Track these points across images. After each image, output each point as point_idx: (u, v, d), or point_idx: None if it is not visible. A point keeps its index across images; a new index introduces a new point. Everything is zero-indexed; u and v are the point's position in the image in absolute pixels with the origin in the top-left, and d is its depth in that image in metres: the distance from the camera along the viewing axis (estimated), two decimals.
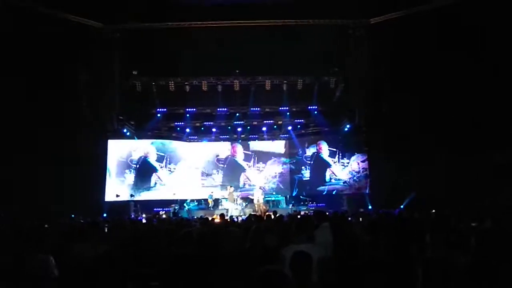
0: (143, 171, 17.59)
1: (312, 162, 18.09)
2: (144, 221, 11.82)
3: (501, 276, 2.74)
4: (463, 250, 3.68)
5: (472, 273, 3.08)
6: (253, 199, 16.16)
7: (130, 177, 17.40)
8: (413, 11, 15.23)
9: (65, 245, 4.69)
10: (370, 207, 16.10)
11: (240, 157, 18.91)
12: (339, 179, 17.68)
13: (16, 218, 10.13)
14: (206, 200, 17.58)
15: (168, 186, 17.83)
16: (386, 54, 15.79)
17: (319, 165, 17.91)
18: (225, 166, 18.78)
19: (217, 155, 18.87)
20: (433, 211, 8.50)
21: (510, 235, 3.87)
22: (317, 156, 18.05)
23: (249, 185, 18.59)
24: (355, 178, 17.57)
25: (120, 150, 17.48)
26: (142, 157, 17.68)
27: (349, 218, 9.02)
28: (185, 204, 17.14)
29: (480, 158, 13.90)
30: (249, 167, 18.77)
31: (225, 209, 16.00)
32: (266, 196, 16.80)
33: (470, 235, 3.88)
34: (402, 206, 14.39)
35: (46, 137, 14.00)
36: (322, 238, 4.50)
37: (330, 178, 17.74)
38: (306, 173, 18.16)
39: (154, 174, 17.74)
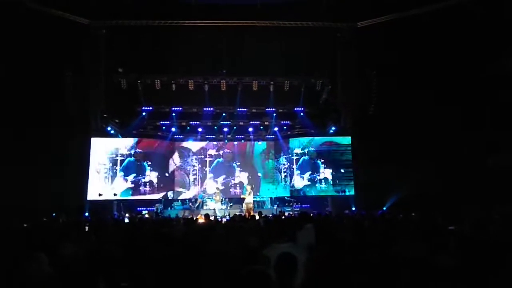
0: (129, 170, 17.44)
1: (298, 164, 18.17)
2: (126, 220, 11.68)
3: (482, 279, 2.80)
4: (444, 252, 3.74)
5: (454, 276, 3.13)
6: (241, 199, 16.26)
7: (114, 175, 17.21)
8: (401, 15, 15.43)
9: (52, 245, 4.62)
10: (354, 208, 16.25)
11: (227, 157, 18.96)
12: (323, 181, 17.81)
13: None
14: (191, 199, 17.53)
15: (153, 185, 17.73)
16: (374, 58, 15.98)
17: (305, 167, 18.01)
18: (211, 165, 18.80)
19: (203, 155, 18.92)
20: (413, 214, 8.62)
21: (489, 239, 3.94)
22: (304, 158, 18.14)
23: (233, 185, 18.65)
24: (339, 179, 17.72)
25: (104, 148, 17.26)
26: (129, 156, 17.54)
27: (334, 219, 9.08)
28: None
29: (466, 162, 14.12)
30: (238, 167, 18.85)
31: (210, 209, 15.97)
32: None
33: (449, 237, 3.95)
34: (384, 208, 14.58)
35: (29, 133, 13.71)
36: (305, 239, 4.52)
37: (315, 180, 17.85)
38: (292, 175, 18.23)
39: (140, 173, 17.61)
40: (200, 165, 18.83)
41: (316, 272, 3.04)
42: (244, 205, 15.83)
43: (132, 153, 17.64)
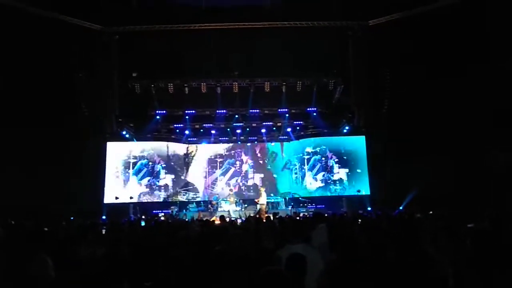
0: (146, 174, 17.66)
1: (310, 164, 18.05)
2: (143, 223, 11.80)
3: (497, 278, 2.75)
4: (460, 251, 3.68)
5: (469, 274, 3.08)
6: (255, 201, 16.27)
7: (130, 179, 17.45)
8: (412, 13, 15.26)
9: (70, 248, 4.70)
10: (369, 208, 16.08)
11: (247, 162, 18.98)
12: (337, 181, 17.69)
13: (15, 219, 10.10)
14: (206, 201, 17.63)
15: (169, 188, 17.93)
16: (386, 56, 15.83)
17: (322, 168, 17.90)
18: (229, 168, 18.85)
19: (218, 157, 18.99)
20: (431, 212, 8.50)
21: (507, 236, 3.86)
22: (316, 158, 18.02)
23: (247, 186, 18.66)
24: (353, 180, 17.56)
25: (120, 152, 17.52)
26: (148, 162, 17.74)
27: (349, 220, 9.01)
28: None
29: (482, 159, 13.85)
30: (253, 171, 18.85)
31: (225, 211, 16.02)
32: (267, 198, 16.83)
33: (467, 236, 3.88)
34: (401, 207, 14.39)
35: (45, 139, 14.02)
36: (318, 239, 4.50)
37: (330, 181, 17.74)
38: (306, 175, 18.14)
39: (156, 177, 17.80)
40: (211, 167, 18.88)
41: (334, 275, 3.03)
42: (260, 206, 15.84)
43: (146, 156, 17.85)
